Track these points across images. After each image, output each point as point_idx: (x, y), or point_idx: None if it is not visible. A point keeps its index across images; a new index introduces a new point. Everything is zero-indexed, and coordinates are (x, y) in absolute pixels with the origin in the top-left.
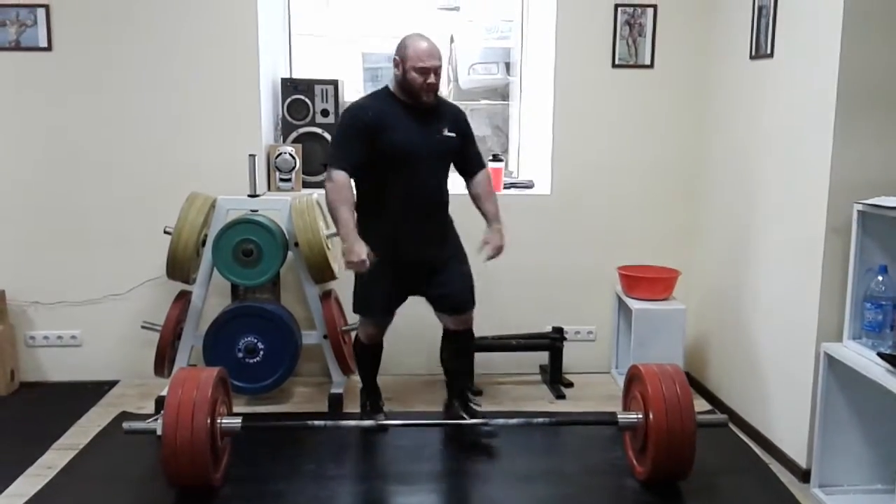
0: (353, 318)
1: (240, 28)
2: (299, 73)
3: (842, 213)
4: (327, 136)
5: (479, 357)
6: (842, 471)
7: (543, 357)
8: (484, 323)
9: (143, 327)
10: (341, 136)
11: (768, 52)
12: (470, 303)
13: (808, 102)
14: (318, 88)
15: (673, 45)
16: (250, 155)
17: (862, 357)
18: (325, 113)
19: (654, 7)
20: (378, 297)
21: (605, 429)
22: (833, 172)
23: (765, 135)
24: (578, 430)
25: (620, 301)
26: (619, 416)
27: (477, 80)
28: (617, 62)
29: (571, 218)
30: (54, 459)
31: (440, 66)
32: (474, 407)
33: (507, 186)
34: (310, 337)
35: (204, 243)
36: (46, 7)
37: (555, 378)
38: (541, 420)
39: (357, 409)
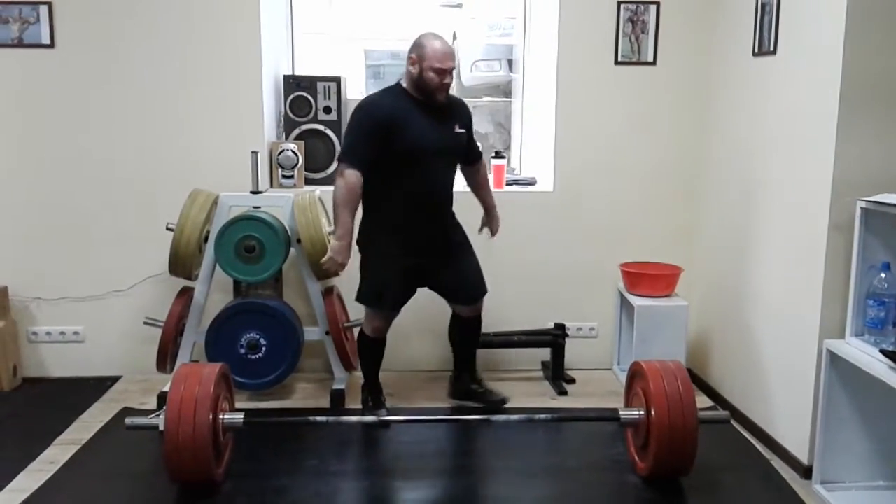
0: (355, 315)
1: (243, 25)
2: (302, 70)
3: (844, 210)
4: (330, 132)
5: (482, 353)
6: (844, 467)
7: (545, 353)
8: (486, 319)
9: (145, 323)
10: (356, 133)
11: (771, 49)
12: (483, 290)
13: (811, 99)
14: (320, 85)
15: (676, 42)
16: (253, 151)
17: (864, 354)
18: (327, 110)
19: (657, 4)
20: (389, 291)
21: (607, 425)
22: (836, 169)
23: (768, 132)
24: (580, 426)
25: (622, 297)
26: (620, 412)
27: (479, 77)
28: (620, 59)
29: (574, 215)
30: (56, 455)
31: (454, 67)
32: (482, 382)
33: (510, 183)
34: (312, 333)
35: (206, 240)
36: (49, 4)
37: (557, 374)
38: (543, 416)
39: (359, 405)
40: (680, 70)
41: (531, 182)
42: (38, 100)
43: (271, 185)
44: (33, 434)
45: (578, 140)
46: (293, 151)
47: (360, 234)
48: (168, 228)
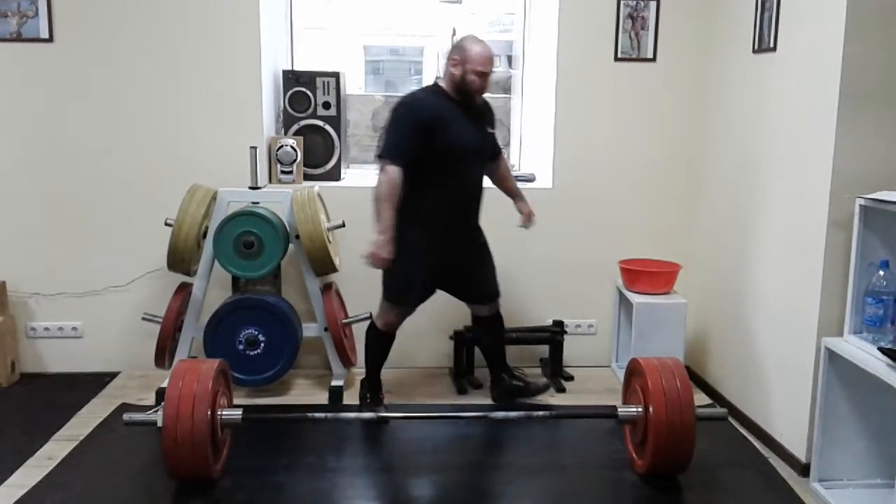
0: (353, 311)
1: (242, 20)
2: (301, 66)
3: (843, 207)
4: (329, 128)
5: (480, 350)
6: (841, 465)
7: (544, 350)
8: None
9: (143, 319)
10: (399, 130)
11: (771, 45)
12: (498, 293)
13: (810, 96)
14: (319, 81)
15: (675, 38)
16: (251, 147)
17: (863, 352)
18: (326, 105)
19: (657, 0)
20: (414, 288)
21: (605, 422)
22: (835, 166)
23: (767, 129)
24: (578, 423)
25: (621, 295)
26: (618, 409)
27: None
28: (619, 56)
29: (573, 211)
30: (54, 450)
31: (494, 71)
32: (521, 376)
33: None
34: (310, 329)
35: (205, 235)
36: None
37: (555, 371)
38: (541, 413)
39: (356, 401)
40: (679, 66)
41: (530, 178)
42: (36, 94)
43: (270, 181)
44: (31, 430)
45: (578, 136)
46: (292, 147)
47: (398, 240)
48: (167, 224)
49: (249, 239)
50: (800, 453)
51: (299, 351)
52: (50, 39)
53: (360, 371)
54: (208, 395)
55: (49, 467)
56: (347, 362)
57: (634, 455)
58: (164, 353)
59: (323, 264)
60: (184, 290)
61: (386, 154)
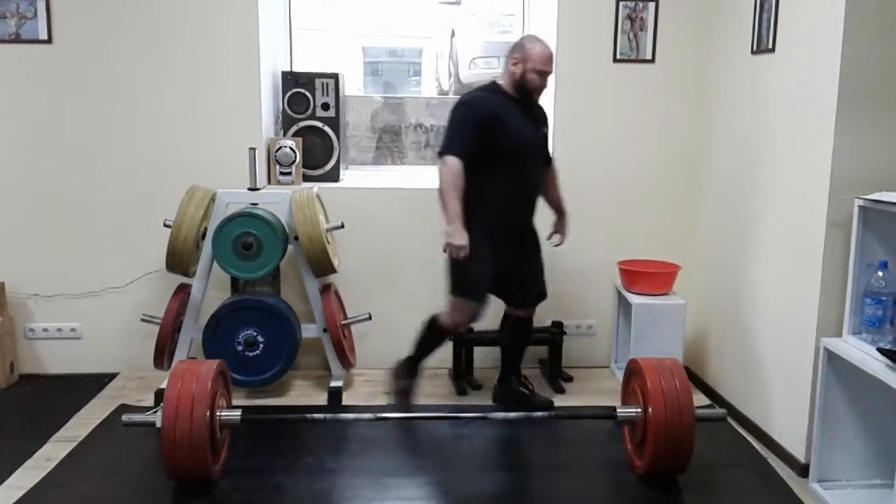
0: (352, 312)
1: (241, 21)
2: (300, 67)
3: (842, 208)
4: (328, 129)
5: (479, 351)
6: (840, 466)
7: (543, 351)
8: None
9: (142, 320)
10: (459, 126)
11: (770, 46)
12: (545, 294)
13: (809, 97)
14: (318, 82)
15: (674, 39)
16: (250, 148)
17: (862, 352)
18: (325, 106)
19: (656, 1)
20: (484, 282)
21: (605, 423)
22: (834, 167)
23: (766, 130)
24: (577, 423)
25: (620, 295)
26: (618, 410)
27: (478, 75)
28: (618, 57)
29: (572, 212)
30: (53, 452)
31: (553, 70)
32: (528, 385)
33: None
34: (309, 330)
35: (204, 236)
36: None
37: (554, 372)
38: (540, 414)
39: (355, 402)
40: (678, 67)
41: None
42: (35, 95)
43: (269, 182)
44: (30, 431)
45: (576, 137)
46: (291, 148)
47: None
48: (165, 225)
49: (248, 240)
50: (799, 454)
51: (298, 352)
52: (49, 41)
53: (358, 372)
54: (207, 395)
55: (48, 468)
56: (346, 363)
57: (633, 456)
58: (163, 354)
59: (322, 265)
60: (183, 291)
61: (446, 150)
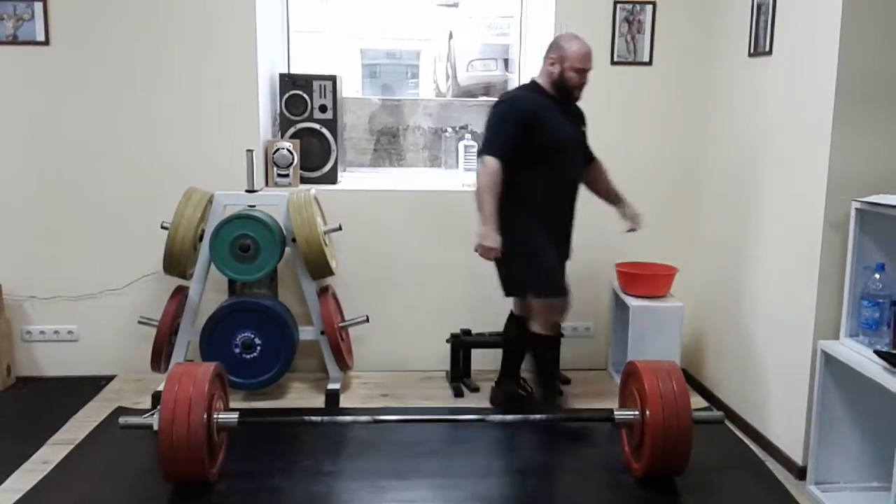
0: (350, 314)
1: (238, 23)
2: (297, 69)
3: (840, 210)
4: (325, 131)
5: (477, 353)
6: (838, 468)
7: None
8: (481, 319)
9: (139, 322)
10: (499, 126)
11: (767, 49)
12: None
13: (806, 100)
14: (316, 84)
15: (672, 42)
16: (248, 150)
17: (859, 355)
18: (322, 108)
19: (653, 4)
20: (559, 277)
21: (602, 425)
22: (831, 170)
23: (763, 132)
24: (575, 426)
25: (618, 298)
26: (615, 412)
27: (475, 77)
28: (616, 59)
29: None
30: (50, 454)
31: (592, 67)
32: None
33: None
34: (307, 333)
35: (201, 238)
36: (44, 1)
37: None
38: (538, 416)
39: (352, 405)
40: (676, 70)
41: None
42: (32, 97)
43: (266, 184)
44: (27, 434)
45: None
46: (288, 150)
47: (511, 230)
48: (163, 227)
49: (246, 242)
50: (796, 456)
51: (296, 354)
52: (46, 42)
53: (355, 374)
54: (204, 398)
55: (45, 471)
56: (344, 366)
57: (631, 458)
58: (161, 356)
59: (319, 267)
60: (180, 294)
61: (486, 150)
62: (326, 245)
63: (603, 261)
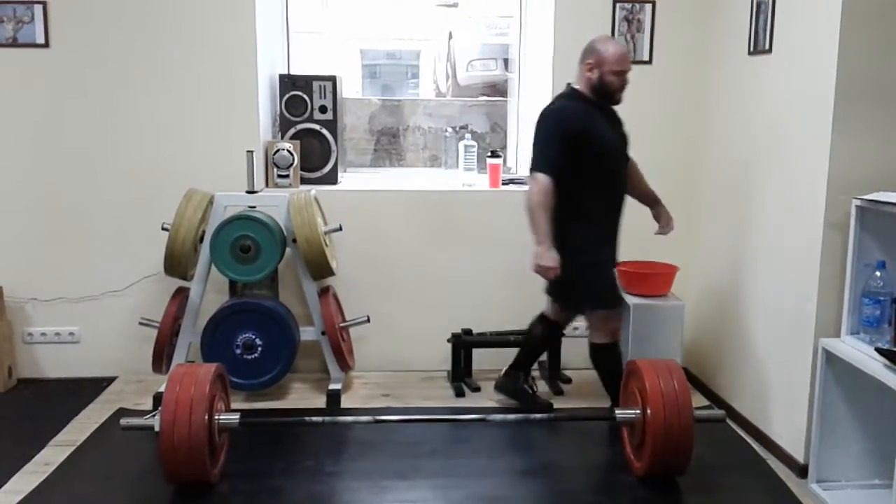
0: (351, 315)
1: (238, 24)
2: (297, 70)
3: (840, 208)
4: (325, 132)
5: (478, 353)
6: (839, 466)
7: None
8: (482, 319)
9: (140, 324)
10: (546, 141)
11: (767, 47)
12: None
13: (806, 98)
14: (316, 85)
15: (671, 40)
16: (248, 151)
17: (860, 352)
18: (323, 109)
19: (653, 3)
20: (618, 286)
21: (604, 424)
22: (831, 168)
23: (763, 130)
24: (576, 425)
25: None
26: (616, 411)
27: (475, 77)
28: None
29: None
30: (51, 456)
31: (631, 68)
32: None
33: (506, 182)
34: (308, 333)
35: (202, 240)
36: (44, 4)
37: (553, 374)
38: (539, 416)
39: (353, 405)
40: (675, 69)
41: (527, 181)
42: (32, 99)
43: (267, 185)
44: (28, 435)
45: None
46: (289, 151)
47: (568, 244)
48: (164, 228)
49: (246, 243)
50: (798, 454)
51: (297, 355)
52: (46, 45)
53: (356, 375)
54: (205, 399)
55: (46, 473)
56: (345, 366)
57: (632, 457)
58: (162, 357)
59: (320, 268)
60: (181, 295)
61: (535, 166)
62: (327, 245)
63: None
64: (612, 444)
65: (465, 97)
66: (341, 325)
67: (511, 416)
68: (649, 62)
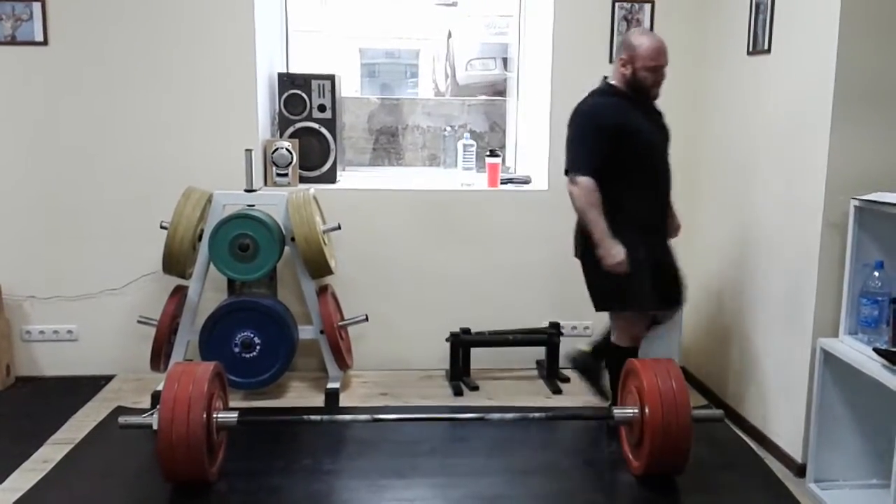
0: (349, 313)
1: (237, 22)
2: (296, 68)
3: (838, 208)
4: (324, 130)
5: (476, 352)
6: (837, 466)
7: (540, 352)
8: (481, 318)
9: (139, 322)
10: (583, 140)
11: (766, 47)
12: None
13: (805, 98)
14: (314, 83)
15: (670, 40)
16: (247, 150)
17: (858, 352)
18: (321, 108)
19: (652, 3)
20: (648, 289)
21: (602, 423)
22: (830, 168)
23: (762, 131)
24: (574, 424)
25: None
26: (615, 410)
27: (474, 76)
28: (614, 58)
29: (568, 214)
30: (50, 454)
31: (668, 62)
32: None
33: (505, 182)
34: (306, 332)
35: (200, 238)
36: (42, 1)
37: (551, 373)
38: (537, 415)
39: (352, 403)
40: (674, 69)
41: (526, 181)
42: (30, 97)
43: (265, 184)
44: (26, 433)
45: None
46: (287, 150)
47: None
48: (162, 227)
49: (245, 241)
50: (796, 454)
51: (295, 353)
52: (44, 43)
53: (355, 373)
54: (204, 398)
55: (44, 471)
56: (343, 365)
57: (630, 456)
58: (160, 356)
59: (318, 267)
60: (179, 293)
61: (573, 167)
62: (325, 244)
63: None
64: (610, 443)
65: (464, 96)
66: (340, 323)
67: (509, 415)
68: None
